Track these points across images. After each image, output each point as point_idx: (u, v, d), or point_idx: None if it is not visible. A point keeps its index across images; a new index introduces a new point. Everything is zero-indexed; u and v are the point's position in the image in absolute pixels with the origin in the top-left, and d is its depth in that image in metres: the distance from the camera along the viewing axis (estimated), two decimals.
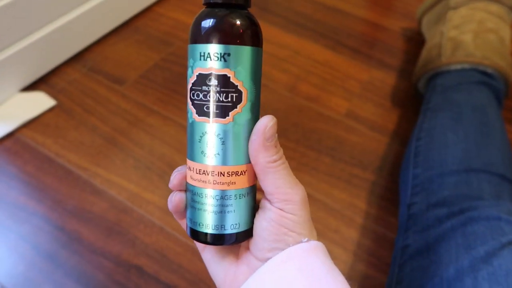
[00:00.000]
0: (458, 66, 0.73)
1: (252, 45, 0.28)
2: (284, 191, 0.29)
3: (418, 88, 0.81)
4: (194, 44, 0.28)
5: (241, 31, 0.27)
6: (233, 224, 0.30)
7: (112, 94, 0.80)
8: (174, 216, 0.33)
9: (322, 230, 0.64)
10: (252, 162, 0.29)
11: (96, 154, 0.70)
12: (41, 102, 0.76)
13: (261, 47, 0.29)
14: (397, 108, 0.83)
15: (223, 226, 0.29)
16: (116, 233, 0.62)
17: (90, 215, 0.63)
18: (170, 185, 0.31)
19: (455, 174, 0.55)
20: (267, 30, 0.97)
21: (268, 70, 0.87)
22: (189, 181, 0.30)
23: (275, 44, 0.93)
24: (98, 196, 0.65)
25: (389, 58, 0.94)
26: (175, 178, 0.31)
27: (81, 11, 0.82)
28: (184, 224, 0.33)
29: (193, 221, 0.30)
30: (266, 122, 0.28)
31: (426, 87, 0.77)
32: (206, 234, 0.30)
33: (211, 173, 0.28)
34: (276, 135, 0.29)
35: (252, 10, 0.30)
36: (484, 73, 0.72)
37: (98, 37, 0.89)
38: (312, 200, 0.67)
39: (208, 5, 0.28)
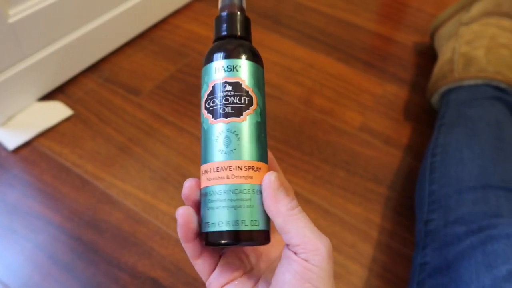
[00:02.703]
0: (471, 82, 0.73)
1: (255, 62, 0.33)
2: (312, 241, 0.28)
3: (431, 103, 0.81)
4: (209, 63, 0.32)
5: (252, 52, 0.33)
6: (253, 220, 0.30)
7: (128, 104, 0.80)
8: (182, 237, 0.31)
9: (338, 245, 0.64)
10: (273, 216, 0.29)
11: (112, 164, 0.71)
12: (58, 111, 0.77)
13: (262, 67, 0.34)
14: (411, 122, 0.83)
15: (243, 221, 0.29)
16: (132, 244, 0.62)
17: (106, 225, 0.63)
18: (182, 193, 0.32)
19: (472, 190, 0.55)
20: (281, 43, 0.97)
21: (282, 82, 0.88)
22: (205, 184, 0.31)
23: (289, 56, 0.94)
24: (114, 207, 0.66)
25: (402, 72, 0.94)
26: (185, 187, 0.31)
27: (98, 22, 0.83)
28: (190, 248, 0.31)
29: (211, 222, 0.30)
30: (268, 176, 0.30)
31: (440, 102, 0.78)
32: (228, 232, 0.30)
33: (229, 168, 0.30)
34: (283, 189, 0.30)
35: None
36: (497, 88, 0.72)
37: (115, 48, 0.90)
38: (328, 215, 0.67)
39: (221, 38, 0.34)
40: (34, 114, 0.76)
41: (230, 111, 0.31)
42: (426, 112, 0.85)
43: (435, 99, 0.80)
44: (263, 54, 0.93)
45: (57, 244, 0.61)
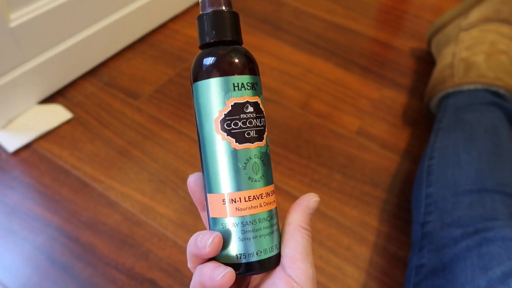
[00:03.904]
0: (471, 86, 0.74)
1: (259, 75, 0.31)
2: (302, 259, 0.29)
3: (430, 107, 0.82)
4: (226, 77, 0.29)
5: (255, 62, 0.31)
6: (278, 242, 0.30)
7: (127, 108, 0.81)
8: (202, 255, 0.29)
9: (334, 247, 0.64)
10: (288, 221, 0.31)
11: (111, 167, 0.71)
12: (58, 114, 0.78)
13: None
14: (408, 126, 0.84)
15: (276, 245, 0.30)
16: (129, 246, 0.62)
17: (105, 227, 0.64)
18: (203, 251, 0.28)
19: (468, 194, 0.55)
20: (280, 48, 0.98)
21: (281, 87, 0.89)
22: (234, 214, 0.29)
23: (288, 61, 0.95)
24: (113, 209, 0.66)
25: (400, 77, 0.95)
26: (211, 243, 0.28)
27: (98, 27, 0.84)
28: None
29: (249, 252, 0.29)
30: (313, 196, 0.32)
31: (438, 107, 0.78)
32: (268, 259, 0.29)
33: (260, 196, 0.29)
34: (312, 213, 0.32)
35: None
36: (496, 94, 0.73)
37: (114, 52, 0.90)
38: (324, 217, 0.68)
39: (213, 43, 0.30)
40: (34, 117, 0.77)
41: (254, 135, 0.29)
42: (423, 117, 0.85)
43: (433, 103, 0.80)
44: (262, 59, 0.94)
45: (56, 246, 0.62)
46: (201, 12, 0.31)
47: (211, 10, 0.30)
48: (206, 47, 0.31)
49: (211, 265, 0.28)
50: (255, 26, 1.03)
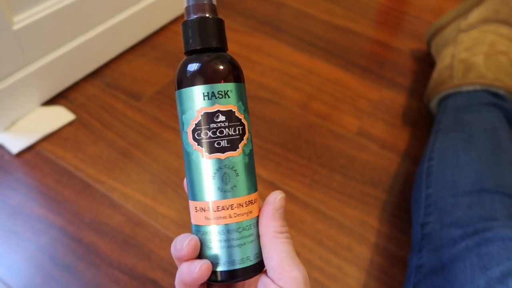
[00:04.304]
0: (470, 87, 0.75)
1: (242, 82, 0.30)
2: (289, 267, 0.28)
3: (429, 108, 0.82)
4: (193, 86, 0.29)
5: (238, 70, 0.30)
6: (256, 253, 0.30)
7: (129, 109, 0.82)
8: (181, 258, 0.29)
9: (335, 247, 0.65)
10: (261, 232, 0.30)
11: (113, 168, 0.72)
12: (60, 116, 0.78)
13: (244, 81, 0.31)
14: (408, 127, 0.84)
15: (248, 257, 0.29)
16: (131, 246, 0.63)
17: (107, 228, 0.64)
18: (181, 253, 0.29)
19: (468, 194, 0.56)
20: (280, 49, 0.99)
21: (281, 87, 0.89)
22: (204, 222, 0.29)
23: (288, 62, 0.95)
24: (115, 210, 0.67)
25: (399, 78, 0.95)
26: (187, 245, 0.28)
27: (100, 29, 0.84)
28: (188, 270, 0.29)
29: (216, 262, 0.29)
30: (276, 195, 0.30)
31: (438, 107, 0.79)
32: (235, 270, 0.29)
33: (230, 207, 0.29)
34: (283, 212, 0.30)
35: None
36: (495, 95, 0.73)
37: (116, 54, 0.91)
38: (324, 218, 0.68)
39: (194, 51, 0.30)
40: (37, 118, 0.77)
41: (226, 145, 0.29)
42: (423, 117, 0.86)
43: (433, 104, 0.81)
44: (262, 60, 0.95)
45: (59, 246, 0.62)
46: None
47: (188, 18, 0.30)
48: (187, 55, 0.30)
49: (187, 262, 0.29)
50: (255, 27, 1.03)
